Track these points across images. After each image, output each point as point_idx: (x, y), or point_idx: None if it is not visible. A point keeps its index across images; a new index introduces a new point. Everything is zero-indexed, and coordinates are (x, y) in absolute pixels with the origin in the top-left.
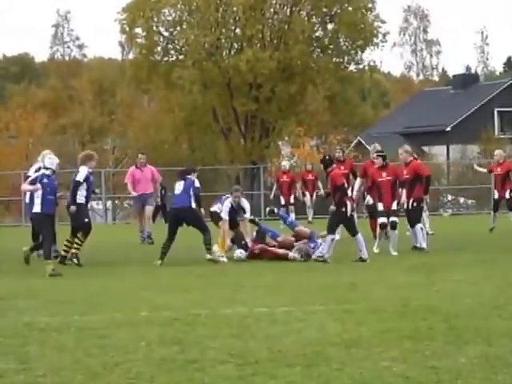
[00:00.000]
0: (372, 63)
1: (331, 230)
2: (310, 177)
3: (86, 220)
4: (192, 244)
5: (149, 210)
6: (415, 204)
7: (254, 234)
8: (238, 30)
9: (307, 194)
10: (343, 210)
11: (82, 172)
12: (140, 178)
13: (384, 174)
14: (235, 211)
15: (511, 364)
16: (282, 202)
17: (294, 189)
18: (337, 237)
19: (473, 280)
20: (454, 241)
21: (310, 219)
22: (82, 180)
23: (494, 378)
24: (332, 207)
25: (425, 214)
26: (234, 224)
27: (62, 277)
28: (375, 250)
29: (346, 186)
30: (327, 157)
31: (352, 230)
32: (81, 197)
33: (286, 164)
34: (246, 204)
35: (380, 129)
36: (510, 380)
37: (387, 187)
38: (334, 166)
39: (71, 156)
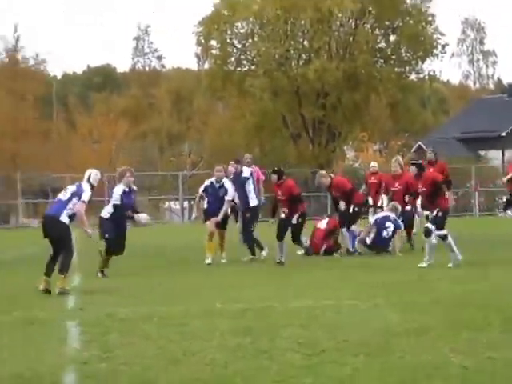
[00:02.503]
0: (432, 73)
1: (280, 237)
2: (373, 179)
3: None
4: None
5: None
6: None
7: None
8: (305, 42)
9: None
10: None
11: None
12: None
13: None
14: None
15: None
16: (371, 202)
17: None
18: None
19: None
20: (507, 239)
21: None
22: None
23: None
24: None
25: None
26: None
27: (138, 275)
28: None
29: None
30: (280, 168)
31: (281, 235)
32: None
33: (375, 165)
34: None
35: (439, 134)
36: None
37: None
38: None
39: (150, 159)
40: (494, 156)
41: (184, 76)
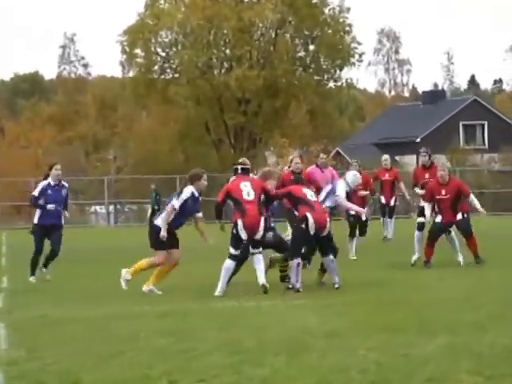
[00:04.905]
0: (349, 80)
1: (296, 253)
2: (387, 176)
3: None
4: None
5: None
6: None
7: None
8: (228, 51)
9: (382, 197)
10: (303, 225)
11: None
12: (320, 178)
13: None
14: None
15: (475, 352)
16: (383, 201)
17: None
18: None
19: (442, 276)
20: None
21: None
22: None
23: (458, 365)
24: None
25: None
26: None
27: (67, 276)
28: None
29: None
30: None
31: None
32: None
33: (387, 158)
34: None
35: (356, 140)
36: (472, 366)
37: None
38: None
39: (77, 164)
40: (409, 161)
41: (109, 84)
